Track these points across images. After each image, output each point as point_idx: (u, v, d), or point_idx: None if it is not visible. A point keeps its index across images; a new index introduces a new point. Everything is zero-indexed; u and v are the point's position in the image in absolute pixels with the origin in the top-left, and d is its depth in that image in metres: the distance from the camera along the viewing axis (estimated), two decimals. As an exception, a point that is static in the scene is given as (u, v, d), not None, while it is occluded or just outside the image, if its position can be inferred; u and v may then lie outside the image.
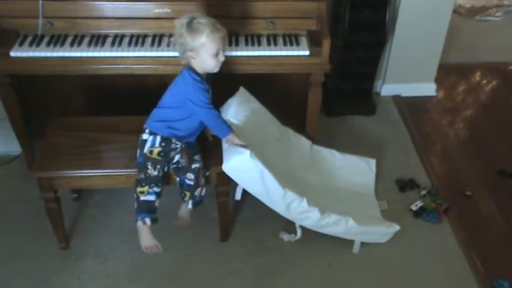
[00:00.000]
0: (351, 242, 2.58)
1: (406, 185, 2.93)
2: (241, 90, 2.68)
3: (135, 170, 2.29)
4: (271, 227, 2.57)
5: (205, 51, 2.09)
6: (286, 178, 2.52)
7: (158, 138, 2.24)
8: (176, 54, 2.53)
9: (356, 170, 2.89)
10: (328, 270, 2.50)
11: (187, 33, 2.05)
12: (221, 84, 3.02)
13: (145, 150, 2.24)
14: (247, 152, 2.21)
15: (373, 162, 2.93)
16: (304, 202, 2.42)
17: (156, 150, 2.23)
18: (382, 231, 2.59)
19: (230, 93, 3.03)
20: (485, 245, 2.65)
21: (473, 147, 3.33)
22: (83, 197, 2.81)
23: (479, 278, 2.47)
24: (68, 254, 2.53)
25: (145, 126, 2.29)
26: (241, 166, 2.24)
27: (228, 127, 2.26)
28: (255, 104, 2.71)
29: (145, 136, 2.26)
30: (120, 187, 2.62)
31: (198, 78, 2.14)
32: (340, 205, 2.66)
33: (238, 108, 2.59)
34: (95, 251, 2.54)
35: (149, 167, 2.23)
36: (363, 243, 2.58)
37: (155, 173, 2.23)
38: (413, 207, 2.77)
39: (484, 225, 2.77)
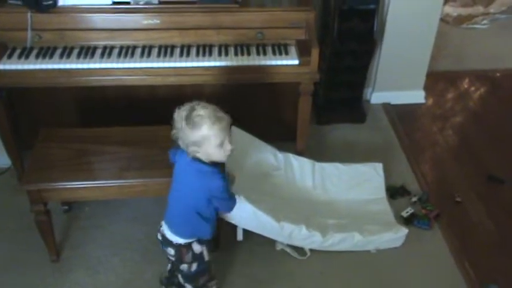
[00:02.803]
0: (342, 250, 2.59)
1: (396, 192, 2.94)
2: (233, 129, 2.71)
3: (126, 180, 2.29)
4: (263, 237, 2.56)
5: (208, 144, 1.85)
6: (287, 206, 2.63)
7: (207, 242, 2.11)
8: (166, 65, 2.57)
9: (364, 178, 2.88)
10: (321, 279, 2.50)
11: (187, 127, 1.83)
12: (211, 96, 3.04)
13: (207, 258, 2.12)
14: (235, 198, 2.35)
15: (379, 166, 2.91)
16: (303, 230, 2.47)
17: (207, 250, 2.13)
18: (391, 237, 2.60)
19: (221, 105, 3.05)
20: (475, 250, 2.66)
21: (462, 153, 3.36)
22: (74, 209, 2.80)
23: (470, 283, 2.48)
24: (58, 267, 2.51)
25: (192, 240, 2.05)
26: (234, 210, 2.35)
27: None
28: (248, 140, 2.76)
29: (198, 249, 2.06)
30: (111, 198, 2.63)
31: (211, 167, 1.93)
32: (350, 218, 2.70)
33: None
34: (85, 263, 2.53)
35: (212, 267, 2.20)
36: (350, 252, 2.60)
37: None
38: (404, 214, 2.78)
39: (474, 231, 2.79)
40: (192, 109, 1.84)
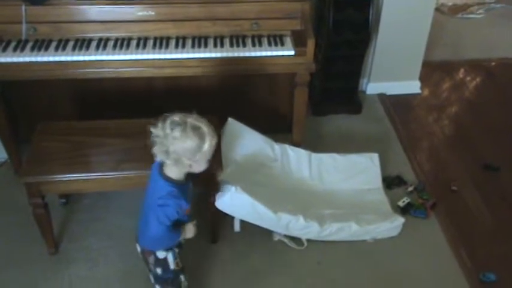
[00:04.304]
0: (339, 240, 2.61)
1: (392, 182, 2.96)
2: (229, 121, 2.74)
3: (123, 172, 2.29)
4: (261, 228, 2.57)
5: (203, 158, 1.79)
6: (284, 197, 2.65)
7: (176, 250, 2.03)
8: (161, 56, 2.57)
9: (360, 169, 2.89)
10: (319, 269, 2.51)
11: (183, 134, 1.72)
12: (207, 87, 3.05)
13: (173, 266, 2.02)
14: (233, 189, 2.37)
15: (375, 156, 2.92)
16: (301, 219, 2.49)
17: (179, 260, 2.05)
18: (388, 227, 2.62)
19: (217, 96, 3.06)
20: (472, 239, 2.68)
21: (458, 143, 3.38)
22: (72, 202, 2.80)
23: (467, 271, 2.50)
24: (57, 259, 2.52)
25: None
26: (232, 201, 2.41)
27: (177, 234, 1.95)
28: (246, 132, 2.77)
29: (161, 255, 1.99)
30: (109, 190, 2.63)
31: (174, 187, 1.83)
32: (347, 208, 2.71)
33: (229, 141, 2.67)
34: (84, 255, 2.54)
35: (182, 278, 2.09)
36: (347, 241, 2.61)
37: (187, 281, 2.13)
38: (401, 204, 2.79)
39: (470, 220, 2.81)
40: (186, 121, 1.75)
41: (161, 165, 1.85)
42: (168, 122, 1.74)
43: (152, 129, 1.76)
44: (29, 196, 2.30)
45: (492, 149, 3.30)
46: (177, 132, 1.72)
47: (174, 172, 1.83)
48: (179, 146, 1.72)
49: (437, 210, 2.81)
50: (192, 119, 1.76)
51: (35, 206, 2.33)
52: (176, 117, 1.75)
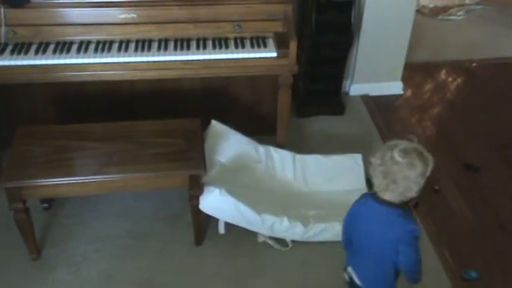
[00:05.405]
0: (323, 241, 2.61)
1: (376, 182, 2.98)
2: (213, 123, 2.74)
3: (105, 176, 2.27)
4: (246, 229, 2.57)
5: (423, 183, 1.76)
6: (269, 198, 2.65)
7: None
8: (144, 59, 2.55)
9: (343, 169, 2.90)
10: (303, 269, 2.52)
11: (417, 165, 1.70)
12: (190, 90, 3.04)
13: None
14: (217, 191, 2.39)
15: (359, 157, 2.94)
16: (285, 221, 2.50)
17: None
18: None
19: (200, 99, 3.05)
20: (453, 237, 2.71)
21: (440, 143, 3.41)
22: (54, 206, 2.77)
23: (449, 269, 2.53)
24: (40, 264, 2.48)
25: None
26: (215, 203, 2.43)
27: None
28: (229, 134, 2.77)
29: None
30: (91, 194, 2.61)
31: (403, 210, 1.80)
32: (331, 209, 2.71)
33: (212, 143, 2.67)
34: (67, 260, 2.51)
35: None
36: (331, 241, 2.59)
37: None
38: (384, 204, 2.81)
39: (452, 218, 2.84)
40: (414, 145, 1.74)
41: (373, 195, 1.82)
42: (396, 150, 1.71)
43: (373, 159, 1.76)
44: (10, 201, 2.27)
45: (473, 149, 3.34)
46: (407, 159, 1.70)
47: (391, 199, 1.78)
48: (411, 173, 1.70)
49: (420, 210, 2.84)
50: (415, 145, 1.75)
51: (16, 211, 2.30)
52: (403, 145, 1.73)
